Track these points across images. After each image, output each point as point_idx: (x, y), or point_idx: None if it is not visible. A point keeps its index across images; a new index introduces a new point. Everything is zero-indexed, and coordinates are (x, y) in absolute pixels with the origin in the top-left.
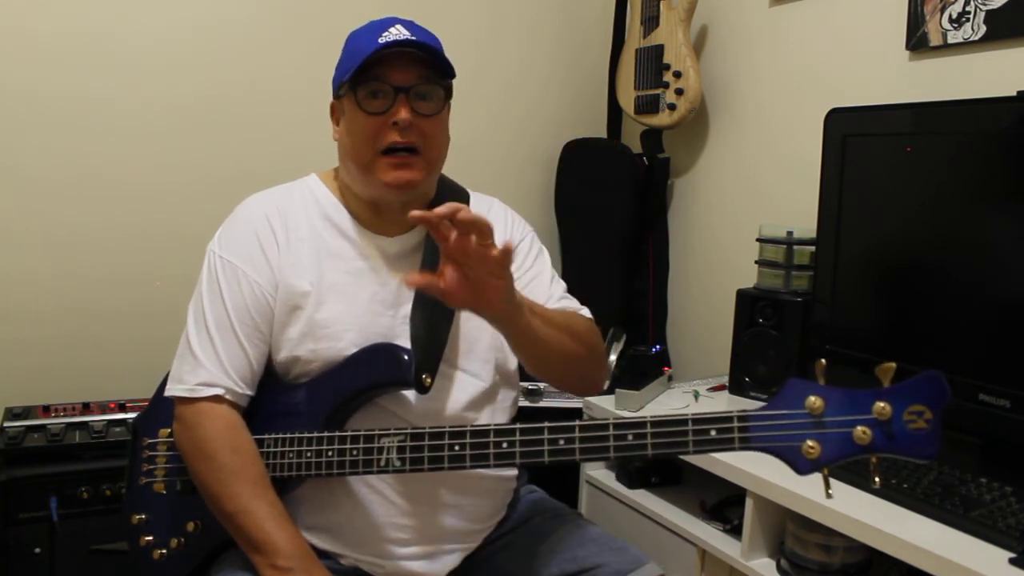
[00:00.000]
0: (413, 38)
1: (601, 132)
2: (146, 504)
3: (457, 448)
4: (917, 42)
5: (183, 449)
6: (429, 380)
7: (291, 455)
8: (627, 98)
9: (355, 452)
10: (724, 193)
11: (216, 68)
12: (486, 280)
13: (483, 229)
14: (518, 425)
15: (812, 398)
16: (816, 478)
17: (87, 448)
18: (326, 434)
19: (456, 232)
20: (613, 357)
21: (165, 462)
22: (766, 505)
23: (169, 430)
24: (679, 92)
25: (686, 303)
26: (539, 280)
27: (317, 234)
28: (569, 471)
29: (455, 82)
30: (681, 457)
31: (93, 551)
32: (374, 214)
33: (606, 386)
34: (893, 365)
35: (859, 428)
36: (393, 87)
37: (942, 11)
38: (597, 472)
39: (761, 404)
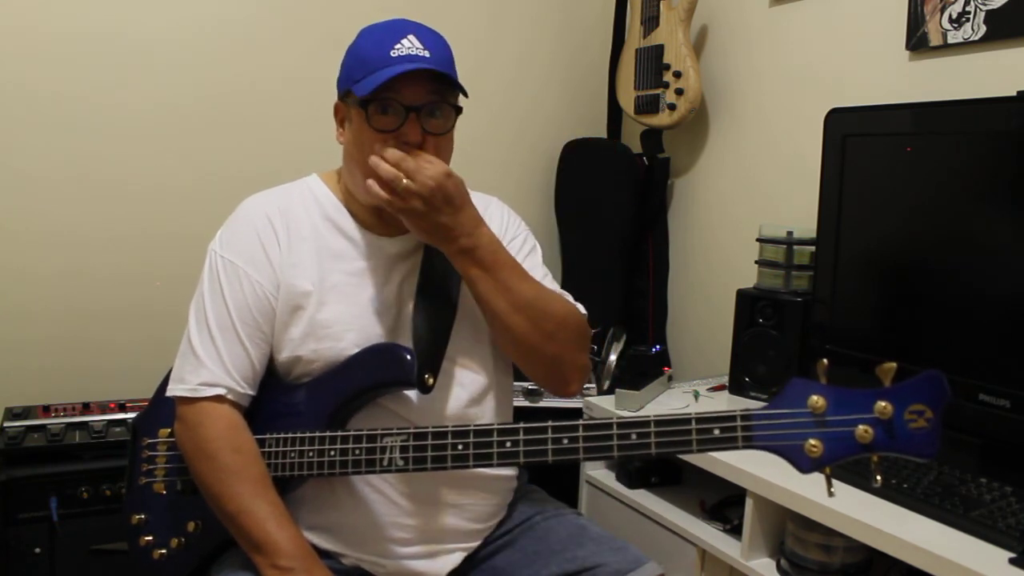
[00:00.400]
0: (427, 54)
1: (601, 132)
2: (146, 504)
3: (460, 447)
4: (917, 42)
5: (184, 449)
6: (432, 380)
7: (293, 455)
8: (627, 98)
9: (358, 452)
10: (724, 193)
11: (218, 68)
12: None
13: None
14: (522, 424)
15: (814, 397)
16: (816, 478)
17: (87, 448)
18: (328, 434)
19: None
20: (613, 357)
21: (165, 462)
22: (766, 505)
23: (169, 430)
24: (679, 92)
25: (686, 303)
26: (536, 272)
27: (318, 234)
28: (569, 471)
29: None
30: (682, 456)
31: (93, 551)
32: (375, 216)
33: (582, 387)
34: (894, 365)
35: (861, 427)
36: (404, 106)
37: (942, 11)
38: (597, 472)
39: (762, 404)
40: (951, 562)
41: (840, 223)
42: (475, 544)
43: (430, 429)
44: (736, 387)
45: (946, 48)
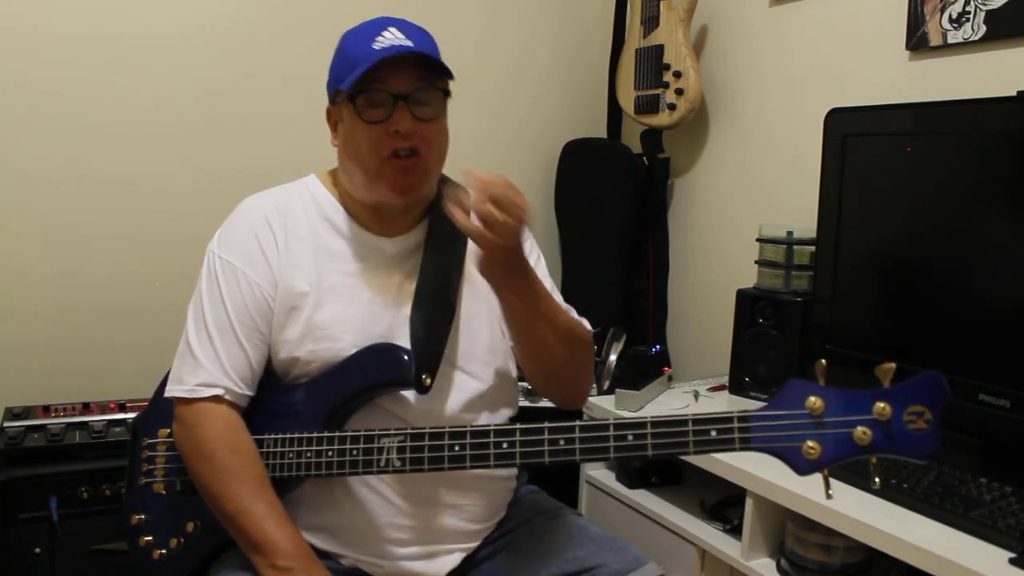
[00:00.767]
0: (410, 43)
1: (601, 132)
2: (146, 504)
3: (457, 448)
4: (917, 42)
5: (183, 450)
6: (429, 380)
7: (291, 455)
8: (627, 98)
9: (355, 452)
10: (724, 193)
11: (218, 68)
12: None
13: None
14: (518, 425)
15: (812, 398)
16: (816, 478)
17: (87, 448)
18: (326, 434)
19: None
20: (613, 357)
21: (165, 462)
22: (766, 505)
23: (169, 430)
24: (679, 92)
25: (686, 303)
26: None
27: (316, 235)
28: (569, 471)
29: (455, 83)
30: (681, 457)
31: (93, 551)
32: (373, 215)
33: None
34: (893, 365)
35: (859, 428)
36: (392, 95)
37: (942, 11)
38: (597, 472)
39: (761, 404)
40: (951, 562)
41: (840, 223)
42: (474, 545)
43: (427, 430)
44: (736, 387)
45: (946, 48)
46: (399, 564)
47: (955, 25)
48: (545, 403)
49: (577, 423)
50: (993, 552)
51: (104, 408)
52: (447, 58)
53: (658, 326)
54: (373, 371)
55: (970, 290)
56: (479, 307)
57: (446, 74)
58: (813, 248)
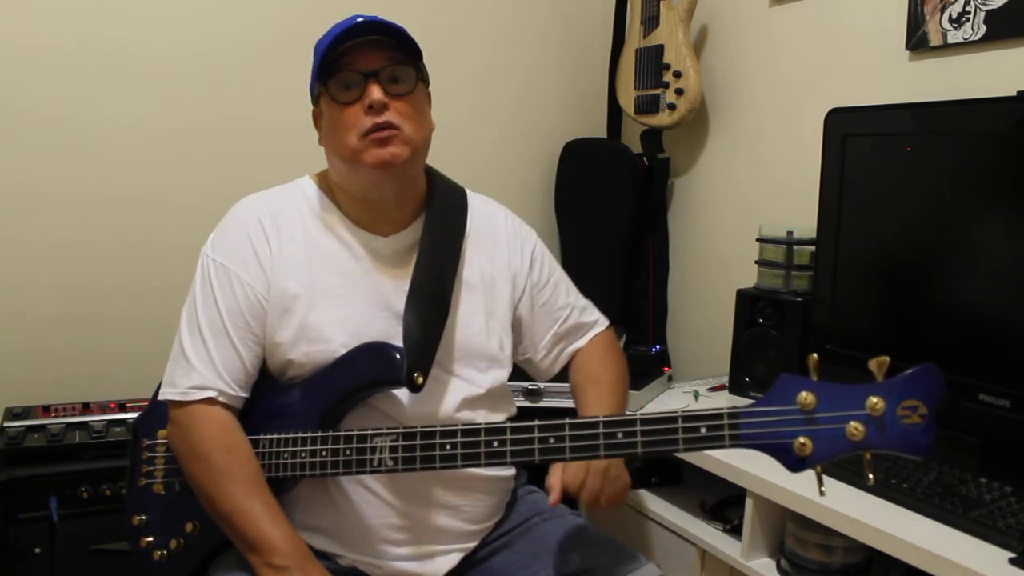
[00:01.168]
0: (373, 22)
1: (601, 132)
2: (146, 505)
3: (448, 447)
4: (917, 42)
5: (177, 451)
6: (421, 379)
7: (286, 455)
8: (627, 98)
9: (348, 452)
10: (724, 193)
11: (219, 83)
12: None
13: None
14: (508, 424)
15: (804, 394)
16: (810, 472)
17: (87, 448)
18: (319, 434)
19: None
20: None
21: (164, 463)
22: (766, 505)
23: (166, 431)
24: (679, 92)
25: (686, 303)
26: (560, 288)
27: (310, 236)
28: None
29: (456, 82)
30: (679, 456)
31: (93, 551)
32: (367, 212)
33: None
34: (887, 359)
35: (852, 424)
36: (362, 73)
37: (942, 11)
38: None
39: (752, 400)
40: (951, 562)
41: (840, 223)
42: (472, 545)
43: (419, 429)
44: (736, 387)
45: (946, 48)
46: (397, 564)
47: (955, 25)
48: (545, 403)
49: (567, 421)
50: (993, 552)
51: (104, 408)
52: (447, 60)
53: (658, 326)
54: (366, 370)
55: (970, 290)
56: (475, 308)
57: (414, 53)
58: (813, 248)
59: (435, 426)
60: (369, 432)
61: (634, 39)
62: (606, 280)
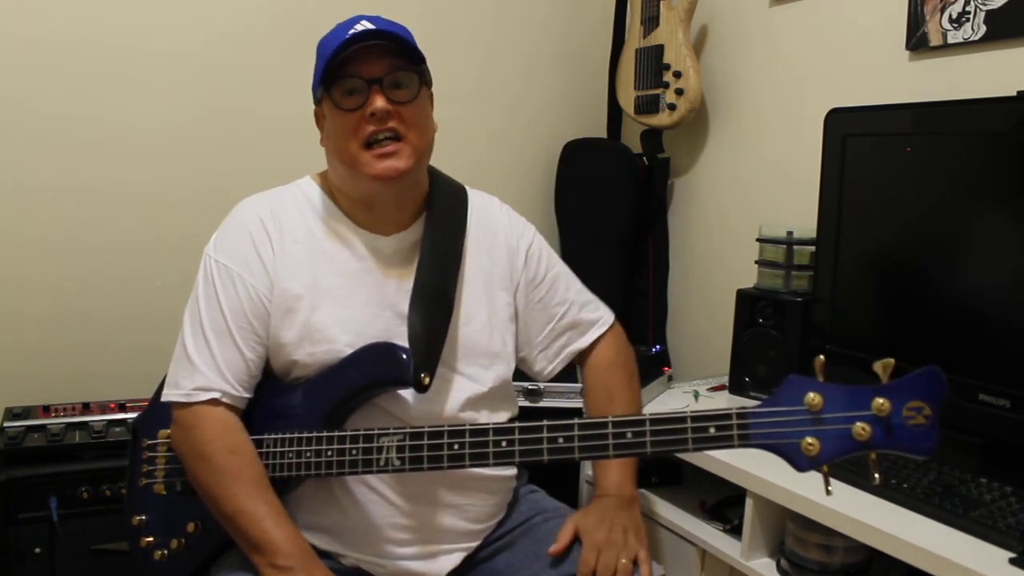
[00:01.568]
0: (377, 29)
1: (601, 132)
2: (147, 505)
3: (456, 447)
4: (917, 42)
5: (181, 452)
6: (428, 379)
7: (290, 455)
8: (627, 98)
9: (354, 452)
10: (724, 193)
11: (217, 77)
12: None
13: None
14: (517, 424)
15: (811, 394)
16: (816, 477)
17: (87, 448)
18: (325, 434)
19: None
20: None
21: (165, 463)
22: (766, 505)
23: (169, 431)
24: (679, 92)
25: (686, 303)
26: (558, 283)
27: (312, 236)
28: (569, 471)
29: (456, 83)
30: (680, 455)
31: (93, 551)
32: (368, 212)
33: None
34: (892, 361)
35: (858, 424)
36: (365, 80)
37: (942, 11)
38: None
39: (753, 400)
40: (951, 562)
41: (840, 223)
42: (474, 544)
43: (426, 429)
44: (736, 387)
45: (946, 48)
46: (400, 564)
47: (955, 25)
48: (546, 403)
49: (576, 421)
50: (993, 552)
51: (104, 408)
52: (447, 60)
53: (658, 326)
54: (372, 370)
55: (970, 290)
56: (478, 307)
57: (418, 58)
58: (813, 248)
59: (443, 426)
60: (376, 432)
61: (634, 39)
62: (606, 280)
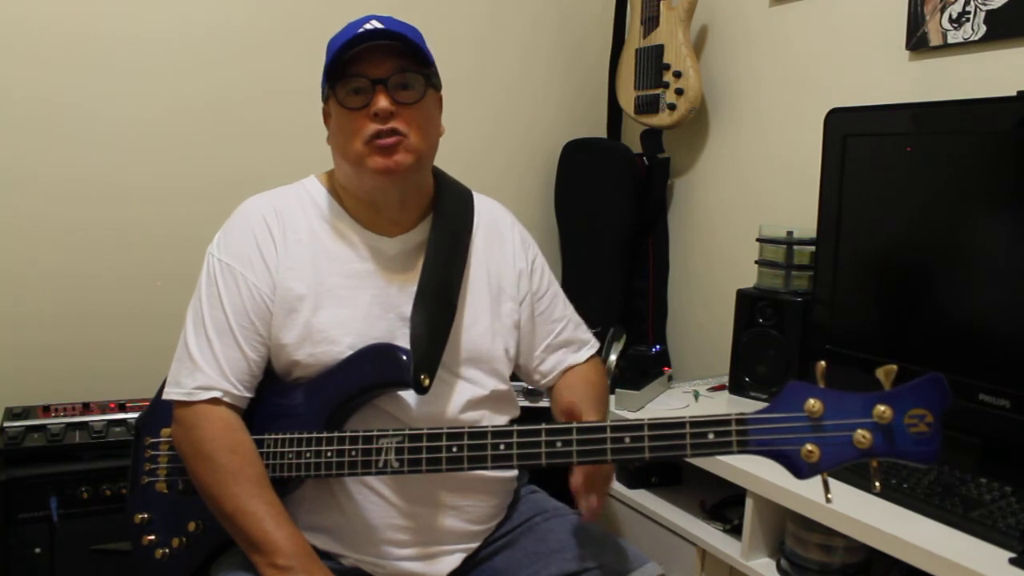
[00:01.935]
0: (384, 29)
1: (601, 132)
2: (148, 503)
3: (455, 450)
4: (917, 42)
5: (182, 451)
6: (428, 381)
7: (290, 456)
8: (627, 98)
9: (354, 453)
10: (724, 193)
11: (218, 69)
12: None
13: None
14: (516, 427)
15: (811, 401)
16: (816, 478)
17: (87, 448)
18: (325, 435)
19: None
20: (613, 357)
21: (167, 462)
22: (766, 505)
23: (171, 430)
24: (679, 92)
25: (686, 303)
26: (557, 300)
27: (316, 236)
28: (569, 471)
29: (456, 83)
30: None
31: (93, 551)
32: (373, 213)
33: None
34: (894, 367)
35: (859, 432)
36: (371, 80)
37: (942, 11)
38: None
39: (761, 407)
40: (951, 562)
41: (840, 223)
42: (475, 545)
43: (425, 431)
44: (736, 387)
45: (946, 48)
46: (400, 564)
47: (955, 25)
48: (546, 404)
49: (575, 424)
50: (993, 552)
51: (104, 408)
52: (447, 59)
53: (658, 326)
54: (372, 371)
55: (970, 290)
56: (480, 310)
57: (425, 60)
58: (813, 248)
59: (441, 428)
60: (375, 433)
61: (634, 39)
62: (606, 280)
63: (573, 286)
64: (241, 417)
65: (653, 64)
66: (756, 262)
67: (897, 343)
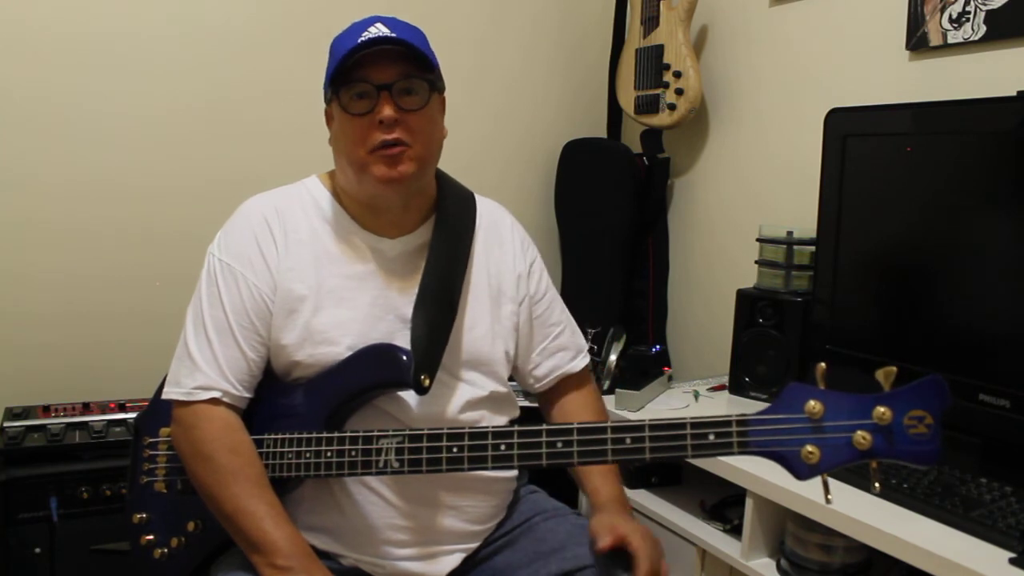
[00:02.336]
0: (391, 34)
1: (601, 132)
2: (147, 503)
3: (455, 450)
4: (917, 42)
5: (181, 451)
6: (428, 381)
7: (290, 456)
8: (627, 98)
9: (354, 453)
10: (724, 193)
11: (219, 69)
12: None
13: None
14: (516, 428)
15: (811, 402)
16: (817, 479)
17: (87, 448)
18: (325, 435)
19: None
20: (613, 357)
21: (166, 461)
22: (766, 505)
23: (170, 429)
24: (679, 92)
25: (686, 303)
26: (554, 305)
27: (317, 237)
28: (569, 471)
29: (456, 82)
30: None
31: (93, 551)
32: (374, 215)
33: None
34: (894, 369)
35: (859, 433)
36: (375, 86)
37: (942, 11)
38: None
39: (761, 407)
40: (951, 562)
41: (840, 223)
42: (474, 545)
43: (425, 431)
44: (736, 387)
45: (946, 48)
46: (399, 564)
47: (955, 25)
48: None
49: (575, 425)
50: (993, 552)
51: (104, 408)
52: (447, 59)
53: (658, 326)
54: (372, 371)
55: (970, 290)
56: (481, 312)
57: (429, 65)
58: (813, 248)
59: (441, 429)
60: (375, 434)
61: (634, 39)
62: (606, 280)
63: (573, 286)
64: (241, 417)
65: (653, 64)
66: (756, 262)
67: (897, 343)
